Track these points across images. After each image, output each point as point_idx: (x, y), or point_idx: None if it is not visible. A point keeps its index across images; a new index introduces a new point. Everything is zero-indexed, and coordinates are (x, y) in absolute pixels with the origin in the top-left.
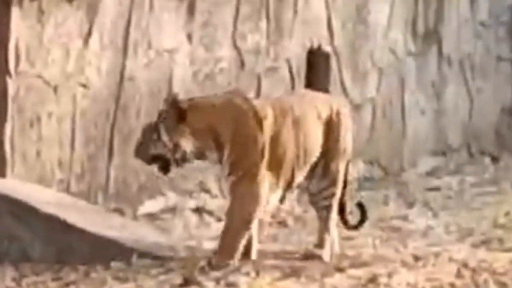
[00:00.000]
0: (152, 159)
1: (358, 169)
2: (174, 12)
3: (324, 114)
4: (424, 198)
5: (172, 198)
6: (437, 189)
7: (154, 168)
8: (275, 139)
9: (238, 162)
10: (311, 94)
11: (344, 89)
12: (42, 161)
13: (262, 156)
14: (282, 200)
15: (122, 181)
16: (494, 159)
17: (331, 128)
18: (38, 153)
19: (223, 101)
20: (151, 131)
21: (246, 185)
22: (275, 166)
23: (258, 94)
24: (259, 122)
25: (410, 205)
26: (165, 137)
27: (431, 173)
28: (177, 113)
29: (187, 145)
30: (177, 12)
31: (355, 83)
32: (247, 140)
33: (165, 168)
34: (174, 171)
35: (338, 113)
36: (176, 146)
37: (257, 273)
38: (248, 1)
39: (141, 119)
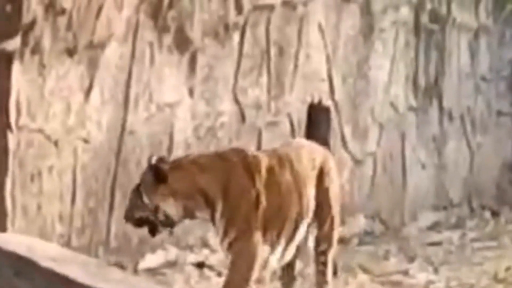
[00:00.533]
0: (139, 222)
1: (359, 224)
2: (175, 66)
3: (318, 166)
4: (425, 253)
5: (173, 252)
6: (438, 243)
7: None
8: (273, 191)
9: (232, 221)
10: (308, 144)
11: (344, 144)
12: (43, 215)
13: (257, 209)
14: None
15: (122, 235)
16: (495, 214)
17: (324, 181)
18: (39, 207)
19: (211, 156)
20: (135, 194)
21: (242, 243)
22: (276, 219)
23: (258, 148)
24: (252, 175)
25: (411, 259)
26: (146, 200)
27: (432, 227)
28: (156, 175)
29: (169, 207)
30: (178, 66)
31: (355, 138)
32: (240, 194)
33: (153, 230)
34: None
35: (331, 167)
36: (157, 209)
37: None
38: (249, 55)
39: None
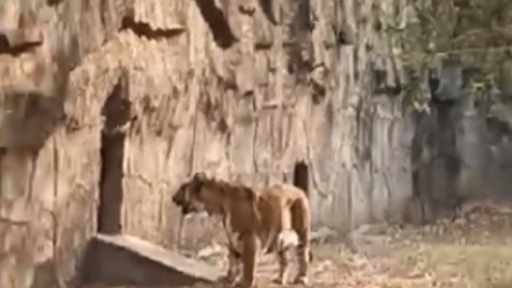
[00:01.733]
0: (178, 203)
1: (324, 231)
2: (218, 141)
3: (293, 199)
4: (362, 248)
5: (217, 247)
6: (369, 243)
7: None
8: (263, 212)
9: (237, 224)
10: (286, 188)
11: (315, 186)
12: (142, 225)
13: (253, 219)
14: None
15: (188, 237)
16: (402, 227)
17: (297, 209)
18: (140, 221)
19: (231, 186)
20: (182, 188)
21: (246, 237)
22: (264, 228)
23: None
24: (250, 200)
25: (354, 252)
26: (186, 195)
27: (366, 233)
28: (195, 185)
29: (197, 204)
30: (219, 141)
31: (322, 182)
32: (242, 210)
33: (184, 211)
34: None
35: (300, 200)
36: (190, 203)
37: None
38: (261, 136)
39: None
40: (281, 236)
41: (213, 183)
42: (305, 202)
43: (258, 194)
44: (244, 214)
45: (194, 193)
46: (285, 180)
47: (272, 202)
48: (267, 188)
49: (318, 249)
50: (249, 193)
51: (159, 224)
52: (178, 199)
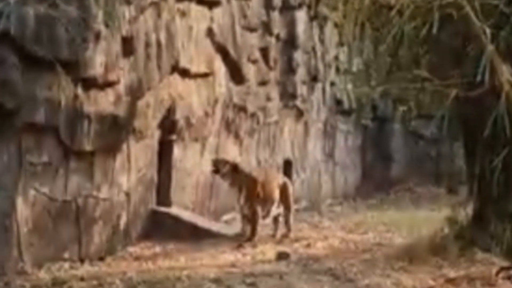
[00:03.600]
0: (214, 171)
1: (302, 204)
2: (234, 145)
3: (281, 183)
4: (328, 215)
5: (233, 214)
6: (332, 211)
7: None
8: (264, 190)
9: (247, 199)
10: (278, 175)
11: (297, 175)
12: (183, 201)
13: (256, 197)
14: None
15: (215, 206)
16: (354, 200)
17: (282, 190)
18: (181, 198)
19: (245, 172)
20: (220, 160)
21: (252, 207)
22: (263, 201)
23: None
24: (255, 183)
25: (322, 217)
26: (227, 168)
27: (330, 205)
28: (234, 165)
29: (227, 177)
30: (235, 145)
31: (301, 172)
32: (251, 189)
33: (215, 172)
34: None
35: (286, 183)
36: (224, 175)
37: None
38: (262, 141)
39: None
40: (274, 207)
41: (242, 170)
42: (289, 185)
43: (260, 180)
44: (252, 193)
45: (232, 170)
46: (279, 170)
47: (268, 185)
48: (266, 175)
49: (298, 215)
50: (254, 180)
51: (196, 199)
52: (216, 165)
